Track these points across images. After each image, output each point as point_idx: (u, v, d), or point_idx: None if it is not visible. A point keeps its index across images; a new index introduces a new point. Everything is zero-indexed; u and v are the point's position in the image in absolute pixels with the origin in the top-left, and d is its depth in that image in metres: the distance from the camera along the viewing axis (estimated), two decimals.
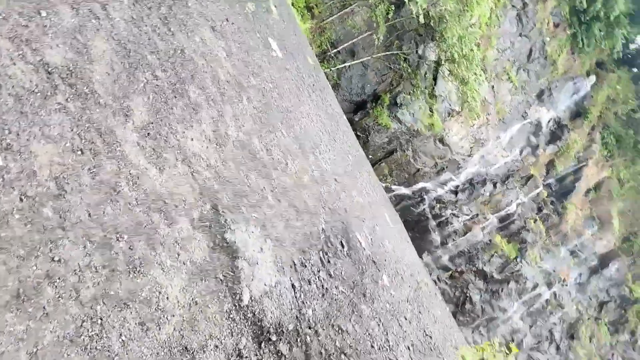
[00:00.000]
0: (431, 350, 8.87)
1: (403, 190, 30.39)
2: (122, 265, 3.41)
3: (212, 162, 4.81)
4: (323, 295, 5.77)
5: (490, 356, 13.20)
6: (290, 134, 7.98)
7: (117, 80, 4.24)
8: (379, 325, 6.76)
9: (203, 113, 5.19)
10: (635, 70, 37.31)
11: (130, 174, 3.80)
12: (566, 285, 33.69)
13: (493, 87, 31.41)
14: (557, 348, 33.35)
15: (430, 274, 30.57)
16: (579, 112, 34.13)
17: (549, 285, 33.02)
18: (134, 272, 3.46)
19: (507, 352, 13.50)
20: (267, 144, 6.65)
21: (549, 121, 33.96)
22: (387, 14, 25.07)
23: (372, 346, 6.03)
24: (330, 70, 25.89)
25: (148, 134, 4.12)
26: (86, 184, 3.46)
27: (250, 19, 9.66)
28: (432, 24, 24.86)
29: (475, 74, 26.32)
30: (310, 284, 5.59)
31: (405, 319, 8.39)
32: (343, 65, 26.32)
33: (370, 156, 28.81)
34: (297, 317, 4.93)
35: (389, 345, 6.65)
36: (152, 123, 4.22)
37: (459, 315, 31.37)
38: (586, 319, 33.94)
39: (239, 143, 5.69)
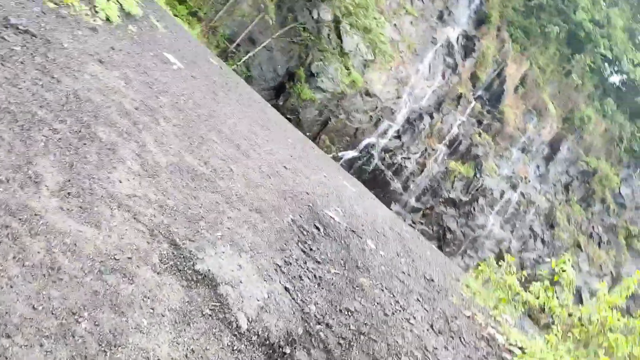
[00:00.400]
0: (438, 292, 8.62)
1: (350, 154, 30.19)
2: (94, 347, 2.89)
3: (152, 197, 4.27)
4: (319, 284, 5.36)
5: (491, 273, 13.16)
6: (223, 139, 7.45)
7: (11, 149, 3.65)
8: (382, 291, 6.40)
9: (121, 150, 4.62)
10: None
11: (64, 243, 3.25)
12: (529, 181, 34.41)
13: (395, 25, 31.31)
14: (542, 241, 34.18)
15: (405, 221, 30.59)
16: (481, 20, 34.49)
17: (514, 187, 33.65)
18: (111, 349, 2.94)
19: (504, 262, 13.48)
20: (203, 157, 6.11)
21: (457, 38, 34.21)
22: None
23: (386, 314, 5.66)
24: (237, 65, 25.21)
25: (69, 193, 3.56)
26: (17, 275, 2.90)
27: (137, 40, 8.99)
28: None
29: (375, 18, 26.13)
30: (302, 279, 5.15)
31: (404, 273, 8.08)
32: (248, 56, 25.67)
33: (307, 133, 28.39)
34: (302, 318, 4.50)
35: (401, 306, 6.31)
36: (69, 181, 3.65)
37: (444, 248, 31.60)
38: (558, 205, 34.83)
39: (173, 166, 5.14)
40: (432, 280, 9.14)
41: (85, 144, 4.21)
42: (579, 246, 34.46)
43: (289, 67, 27.75)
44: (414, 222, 31.22)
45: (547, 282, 11.05)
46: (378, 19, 26.43)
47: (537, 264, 33.82)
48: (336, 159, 29.69)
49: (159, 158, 5.05)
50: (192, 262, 3.85)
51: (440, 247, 31.30)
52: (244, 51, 25.97)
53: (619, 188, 36.12)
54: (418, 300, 7.01)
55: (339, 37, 28.46)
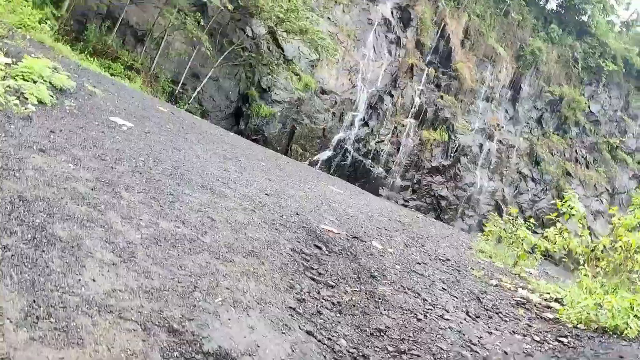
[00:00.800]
0: (458, 271, 8.20)
1: (325, 154, 29.77)
2: None
3: (134, 285, 3.76)
4: (340, 311, 4.89)
5: (500, 232, 12.79)
6: (194, 188, 6.94)
7: None
8: (406, 293, 5.95)
9: (87, 242, 4.10)
10: None
11: None
12: (502, 127, 34.31)
13: (329, 18, 30.98)
14: (533, 180, 34.10)
15: (397, 202, 30.29)
16: None
17: (490, 137, 33.52)
18: None
19: (510, 217, 13.14)
20: (178, 216, 5.60)
21: (392, 12, 33.99)
22: (199, 23, 23.99)
23: (419, 319, 5.21)
24: (189, 104, 24.67)
25: (37, 318, 3.04)
26: None
27: (78, 114, 8.44)
28: (240, 3, 23.92)
29: (307, 18, 25.79)
30: (321, 313, 4.68)
31: (419, 263, 7.64)
32: (196, 92, 25.13)
33: (277, 147, 27.92)
34: (335, 359, 4.03)
35: (430, 303, 5.87)
36: (34, 302, 3.14)
37: (442, 216, 31.32)
38: (537, 141, 34.78)
39: (148, 240, 4.63)
40: (448, 259, 8.72)
41: (43, 251, 3.69)
42: (568, 174, 34.45)
43: (240, 90, 27.25)
44: (406, 201, 30.87)
45: (559, 224, 10.72)
46: (311, 17, 26.07)
47: (534, 203, 33.74)
48: (313, 163, 29.26)
49: (130, 236, 4.53)
50: (198, 345, 3.35)
51: (438, 217, 31.04)
52: (191, 88, 25.42)
53: (589, 106, 36.19)
54: (443, 289, 6.56)
55: (279, 46, 28.04)
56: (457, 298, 6.37)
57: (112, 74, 21.16)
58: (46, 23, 16.21)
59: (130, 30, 24.45)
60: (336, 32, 30.95)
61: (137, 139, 8.61)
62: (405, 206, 30.63)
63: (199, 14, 24.36)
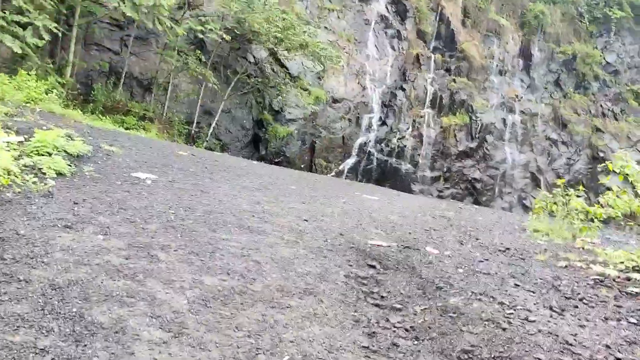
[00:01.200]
0: (523, 259, 7.60)
1: (350, 162, 29.29)
2: None
3: (192, 354, 3.34)
4: (417, 337, 4.38)
5: (551, 205, 12.08)
6: (231, 230, 6.53)
7: None
8: (480, 300, 5.41)
9: (131, 321, 3.69)
10: None
11: None
12: (521, 97, 33.41)
13: (325, 27, 30.65)
14: (564, 143, 33.05)
15: (432, 195, 29.63)
16: None
17: (512, 110, 32.64)
18: None
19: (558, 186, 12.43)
20: (222, 267, 5.18)
21: (386, 8, 33.52)
22: (200, 60, 23.85)
23: (504, 328, 4.66)
24: (207, 141, 24.49)
25: None
26: None
27: (99, 178, 8.14)
28: (237, 32, 23.75)
29: (305, 31, 25.46)
30: (397, 345, 4.18)
31: (481, 261, 7.08)
32: (212, 129, 24.95)
33: (302, 165, 27.57)
34: None
35: (509, 306, 5.31)
36: None
37: (480, 198, 30.49)
38: (559, 104, 33.75)
39: (196, 304, 4.20)
40: (508, 248, 8.13)
41: (85, 345, 3.29)
42: (598, 130, 33.30)
43: (254, 117, 27.03)
44: (440, 191, 30.16)
45: (615, 187, 10.03)
46: (308, 30, 25.75)
47: (569, 167, 32.66)
48: (339, 173, 28.82)
49: (176, 304, 4.12)
50: None
51: (476, 200, 30.27)
52: (206, 125, 25.27)
53: (604, 58, 35.03)
54: (516, 285, 5.99)
55: (283, 66, 27.79)
56: (533, 293, 5.79)
57: (127, 128, 21.14)
58: (52, 92, 16.15)
59: (135, 81, 24.46)
60: (335, 39, 30.58)
61: (164, 190, 8.26)
62: (441, 197, 29.94)
63: (199, 51, 24.23)
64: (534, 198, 32.14)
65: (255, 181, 11.04)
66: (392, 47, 32.89)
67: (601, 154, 32.71)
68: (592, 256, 8.45)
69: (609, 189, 32.85)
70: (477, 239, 8.74)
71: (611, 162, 9.38)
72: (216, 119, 25.17)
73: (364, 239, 7.28)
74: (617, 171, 9.28)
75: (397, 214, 10.41)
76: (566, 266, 7.44)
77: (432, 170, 30.46)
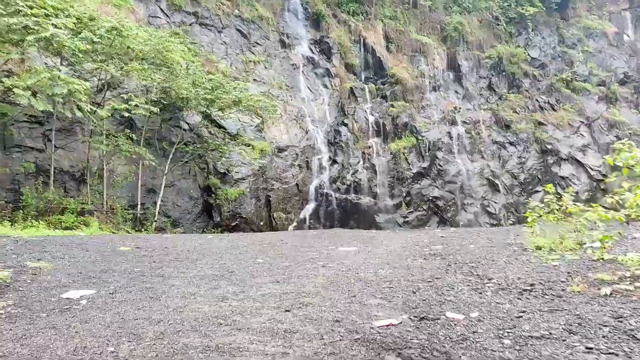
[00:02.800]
0: (557, 296, 6.08)
1: (310, 208, 27.66)
2: None
3: None
4: None
5: (547, 217, 10.71)
6: (197, 351, 4.72)
7: None
8: (517, 350, 3.79)
9: None
10: None
11: None
12: (460, 109, 32.88)
13: (254, 79, 29.39)
14: (511, 144, 32.52)
15: (397, 223, 28.33)
16: (316, 20, 33.13)
17: (453, 122, 32.05)
18: None
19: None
20: None
21: (310, 49, 32.70)
22: (131, 139, 21.97)
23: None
24: (155, 221, 22.44)
25: None
26: None
27: (15, 315, 6.17)
28: (164, 102, 22.07)
29: (235, 87, 24.02)
30: None
31: (519, 317, 5.50)
32: (158, 207, 22.91)
33: (261, 223, 25.75)
34: None
35: (538, 334, 3.71)
36: None
37: (445, 215, 29.31)
38: (497, 107, 33.37)
39: None
40: (532, 285, 6.59)
41: None
42: (540, 124, 33.05)
43: (200, 185, 25.13)
44: (405, 217, 28.85)
45: (624, 184, 8.69)
46: (237, 86, 24.32)
47: (522, 165, 32.11)
48: (302, 222, 27.10)
49: None
50: None
51: (442, 219, 29.15)
52: (152, 204, 23.19)
53: (528, 55, 35.15)
54: (587, 348, 4.40)
55: (220, 126, 26.19)
56: (615, 354, 4.22)
57: (66, 228, 18.90)
58: None
59: (67, 175, 22.25)
60: (267, 89, 29.31)
61: (101, 312, 6.34)
62: (407, 222, 28.62)
63: (129, 130, 22.36)
64: (496, 203, 31.42)
65: (214, 265, 9.19)
66: (325, 86, 31.90)
67: (549, 146, 32.38)
68: (623, 269, 7.03)
69: (563, 178, 31.88)
70: (489, 279, 7.16)
71: (611, 156, 8.02)
72: (160, 195, 23.15)
73: (366, 320, 5.57)
74: (621, 164, 7.90)
75: (386, 265, 8.77)
76: (612, 294, 5.94)
77: (392, 197, 29.18)
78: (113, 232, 20.29)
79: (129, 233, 21.01)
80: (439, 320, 5.41)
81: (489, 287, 6.75)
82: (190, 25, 29.16)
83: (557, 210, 9.86)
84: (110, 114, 20.23)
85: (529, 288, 6.48)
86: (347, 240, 12.94)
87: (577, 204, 9.43)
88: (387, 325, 5.35)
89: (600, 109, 34.47)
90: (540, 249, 9.32)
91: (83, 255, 9.98)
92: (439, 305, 6.01)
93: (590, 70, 35.56)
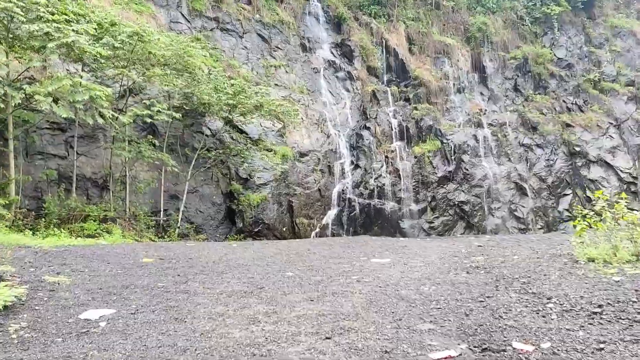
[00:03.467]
0: (636, 321, 5.30)
1: (332, 214, 26.94)
2: None
3: None
4: None
5: (599, 225, 9.84)
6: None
7: None
8: None
9: None
10: None
11: None
12: (485, 111, 31.92)
13: (276, 84, 28.82)
14: (539, 146, 31.48)
15: (422, 229, 27.47)
16: (337, 23, 32.49)
17: (479, 125, 31.08)
18: None
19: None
20: None
21: (331, 52, 32.07)
22: (154, 145, 21.52)
23: None
24: (178, 228, 21.97)
25: None
26: None
27: (28, 339, 5.59)
28: (186, 108, 21.62)
29: (257, 92, 23.43)
30: None
31: (600, 349, 4.74)
32: (181, 213, 22.44)
33: (284, 228, 25.12)
34: None
35: None
36: None
37: (471, 220, 28.35)
38: (523, 108, 32.34)
39: None
40: (600, 306, 5.80)
41: None
42: (568, 125, 31.92)
43: (223, 190, 24.59)
44: (430, 222, 27.97)
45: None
46: (259, 91, 23.72)
47: (550, 168, 30.99)
48: (324, 228, 26.40)
49: None
50: None
51: (469, 223, 28.22)
52: (175, 211, 22.70)
53: (555, 55, 34.03)
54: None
55: (242, 131, 25.63)
56: None
57: (88, 236, 18.47)
58: None
59: (90, 182, 21.86)
60: (288, 94, 28.72)
61: (122, 336, 5.72)
62: (432, 228, 27.75)
63: (151, 136, 21.90)
64: (524, 207, 30.37)
65: (242, 278, 8.53)
66: (347, 89, 31.20)
67: (577, 148, 31.24)
68: None
69: (592, 181, 30.66)
70: (548, 298, 6.38)
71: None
72: (183, 201, 22.64)
73: (420, 350, 4.85)
74: None
75: (427, 280, 8.02)
76: None
77: (417, 202, 28.31)
78: (136, 240, 19.81)
79: (152, 241, 20.52)
80: (505, 353, 4.65)
81: (550, 308, 5.97)
82: (211, 30, 28.72)
83: (610, 217, 8.99)
84: (132, 120, 19.80)
85: (598, 310, 5.69)
86: (378, 250, 12.20)
87: (636, 211, 8.59)
88: (445, 358, 4.62)
89: (630, 110, 33.18)
90: (593, 261, 8.51)
91: (104, 269, 9.41)
92: (500, 332, 5.25)
93: (618, 70, 34.28)
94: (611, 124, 32.45)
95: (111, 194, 21.45)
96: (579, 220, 9.45)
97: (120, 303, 6.93)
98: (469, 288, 7.18)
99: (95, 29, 18.17)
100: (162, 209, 22.29)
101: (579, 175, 30.91)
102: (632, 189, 31.09)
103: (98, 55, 17.86)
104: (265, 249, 12.78)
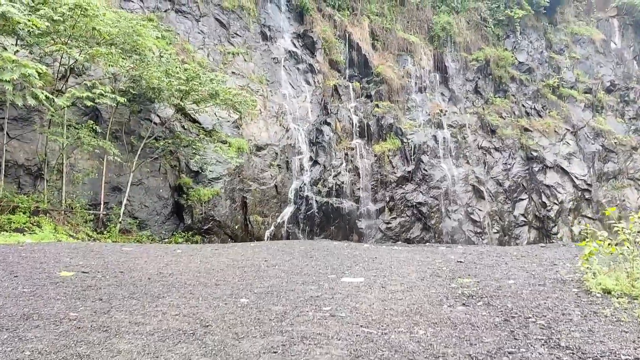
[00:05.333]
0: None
1: (288, 211, 25.25)
2: None
3: None
4: None
5: (606, 245, 8.54)
6: None
7: None
8: None
9: None
10: None
11: None
12: (446, 112, 30.86)
13: (233, 72, 26.82)
14: (497, 149, 30.67)
15: (379, 229, 26.18)
16: (299, 12, 30.71)
17: (439, 125, 29.99)
18: None
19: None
20: None
21: (293, 43, 30.28)
22: (94, 131, 19.28)
23: None
24: (120, 222, 19.83)
25: None
26: None
27: None
28: (133, 92, 19.44)
29: (212, 79, 21.42)
30: None
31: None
32: (123, 207, 20.29)
33: (236, 226, 23.29)
34: None
35: None
36: None
37: (428, 222, 27.30)
38: (483, 111, 31.49)
39: None
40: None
41: None
42: (526, 130, 31.28)
43: (171, 183, 22.49)
44: (388, 223, 26.68)
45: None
46: (214, 77, 21.71)
47: (507, 172, 30.26)
48: (279, 226, 24.71)
49: None
50: None
51: (426, 225, 27.11)
52: (116, 204, 20.50)
53: (516, 59, 33.31)
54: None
55: (194, 121, 23.56)
56: None
57: (15, 230, 16.20)
58: None
59: (22, 169, 19.42)
60: (246, 83, 26.76)
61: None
62: (389, 229, 26.47)
63: (92, 122, 19.58)
64: (480, 211, 29.54)
65: (182, 307, 6.74)
66: (307, 82, 29.49)
67: (534, 153, 30.63)
68: None
69: (548, 187, 29.79)
70: (567, 348, 4.93)
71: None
72: (126, 194, 20.46)
73: None
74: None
75: (419, 316, 6.43)
76: None
77: (375, 202, 26.98)
78: (70, 236, 17.57)
79: (88, 237, 18.31)
80: None
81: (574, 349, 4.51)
82: (165, 11, 26.41)
83: (628, 240, 7.63)
84: (70, 103, 17.51)
85: None
86: (346, 262, 10.58)
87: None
88: None
89: (587, 117, 32.89)
90: (609, 293, 7.16)
91: (7, 285, 7.43)
92: None
93: (577, 77, 33.91)
94: (568, 130, 32.04)
95: (45, 183, 19.09)
96: (587, 242, 8.12)
97: (10, 347, 5.05)
98: (477, 334, 5.65)
99: None
100: (102, 202, 20.05)
101: (536, 180, 30.32)
102: (586, 196, 30.76)
103: (34, 28, 15.52)
104: (215, 259, 10.95)
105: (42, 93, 15.36)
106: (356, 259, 10.84)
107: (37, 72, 14.64)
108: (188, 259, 10.54)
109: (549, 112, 32.02)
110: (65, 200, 19.23)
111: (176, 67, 20.41)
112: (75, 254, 10.44)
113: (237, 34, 28.45)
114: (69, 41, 17.48)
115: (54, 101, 16.97)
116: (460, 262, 10.45)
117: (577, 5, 35.71)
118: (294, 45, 29.96)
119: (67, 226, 18.32)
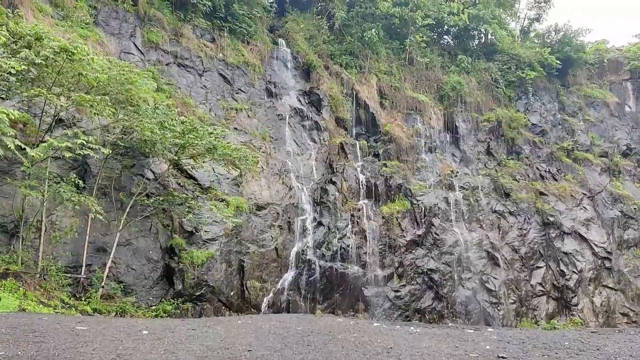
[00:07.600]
0: None
1: (289, 277, 22.77)
2: None
3: None
4: None
5: None
6: None
7: None
8: None
9: None
10: None
11: None
12: (457, 173, 28.83)
13: (235, 128, 25.07)
14: (511, 214, 28.39)
15: (387, 297, 23.62)
16: (306, 70, 29.36)
17: (451, 187, 27.90)
18: None
19: None
20: None
21: (298, 100, 28.75)
22: (77, 186, 17.15)
23: None
24: (102, 287, 17.32)
25: None
26: None
27: None
28: (122, 144, 17.48)
29: (211, 133, 19.50)
30: None
31: None
32: (107, 269, 17.84)
33: (231, 293, 20.81)
34: None
35: None
36: None
37: (440, 290, 24.72)
38: (496, 173, 29.46)
39: None
40: None
41: None
42: (541, 194, 29.10)
43: (162, 244, 20.15)
44: (397, 291, 24.09)
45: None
46: (213, 131, 19.79)
47: (523, 238, 27.87)
48: (279, 292, 22.14)
49: None
50: None
51: (437, 294, 24.49)
52: (100, 266, 18.09)
53: (528, 120, 31.66)
54: None
55: (190, 176, 21.52)
56: None
57: None
58: None
59: None
60: (249, 139, 24.94)
61: None
62: (398, 297, 23.83)
63: (75, 176, 17.52)
64: (495, 279, 26.92)
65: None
66: (313, 140, 27.68)
67: (551, 218, 28.30)
68: None
69: (566, 254, 26.84)
70: None
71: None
72: (112, 255, 18.06)
73: None
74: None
75: None
76: None
77: (383, 268, 24.48)
78: (41, 303, 15.11)
79: (63, 304, 15.82)
80: None
81: None
82: (167, 65, 24.97)
83: None
84: (46, 155, 15.47)
85: None
86: (353, 356, 8.09)
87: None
88: None
89: (604, 181, 30.77)
90: None
91: None
92: None
93: (591, 140, 32.12)
94: (585, 194, 29.83)
95: (21, 242, 16.77)
96: None
97: None
98: None
99: (10, 38, 14.12)
100: (84, 264, 17.65)
101: (553, 247, 27.85)
102: (607, 265, 28.16)
103: (11, 71, 13.72)
104: (186, 346, 8.44)
105: (13, 142, 13.33)
106: (365, 349, 8.35)
107: (7, 116, 12.68)
108: (151, 345, 8.08)
109: (564, 176, 29.95)
110: (42, 262, 16.88)
111: (172, 119, 18.55)
112: (9, 334, 8.02)
113: (242, 90, 26.94)
114: (53, 87, 15.68)
115: (25, 151, 14.90)
116: (503, 358, 7.96)
117: (590, 68, 34.41)
118: (300, 102, 28.41)
119: (39, 292, 15.88)
